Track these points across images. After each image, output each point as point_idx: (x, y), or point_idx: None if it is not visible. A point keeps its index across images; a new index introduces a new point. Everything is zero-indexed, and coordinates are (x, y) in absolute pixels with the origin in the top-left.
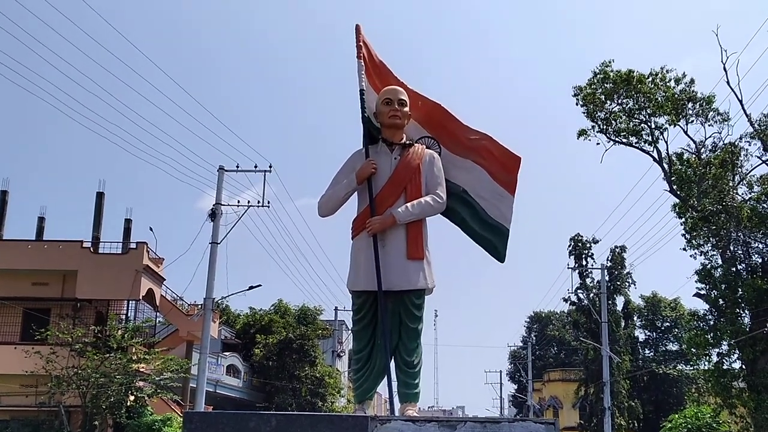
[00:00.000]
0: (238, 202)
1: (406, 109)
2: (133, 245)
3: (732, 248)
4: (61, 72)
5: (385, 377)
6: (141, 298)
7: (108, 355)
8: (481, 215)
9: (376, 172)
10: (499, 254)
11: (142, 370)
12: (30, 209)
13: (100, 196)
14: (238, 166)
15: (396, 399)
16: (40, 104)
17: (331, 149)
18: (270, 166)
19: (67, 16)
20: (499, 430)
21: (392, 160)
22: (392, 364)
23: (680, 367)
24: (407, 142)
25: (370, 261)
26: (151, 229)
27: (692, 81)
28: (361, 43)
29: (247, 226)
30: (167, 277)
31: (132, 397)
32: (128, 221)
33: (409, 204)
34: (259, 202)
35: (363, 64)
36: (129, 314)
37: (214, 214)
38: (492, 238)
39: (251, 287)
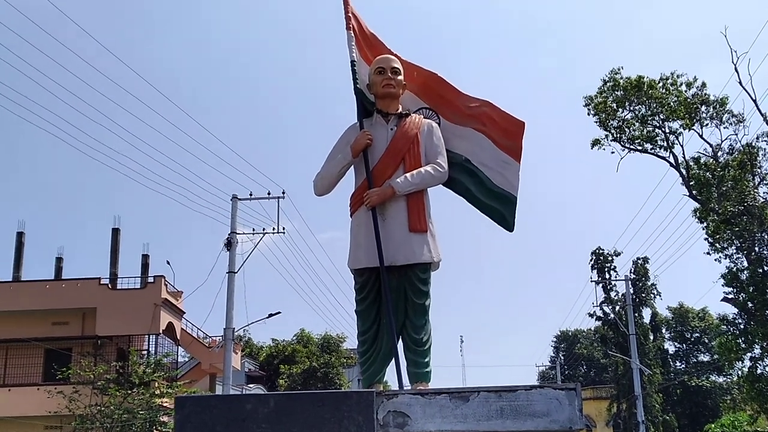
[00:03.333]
0: (253, 230)
1: (401, 77)
2: (150, 279)
3: (757, 249)
4: (72, 108)
5: (393, 358)
6: (161, 332)
7: (131, 391)
8: (486, 184)
9: (372, 144)
10: (508, 223)
11: (165, 404)
12: (48, 250)
13: (115, 232)
14: (251, 194)
15: (406, 380)
16: (52, 141)
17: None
18: (283, 192)
19: (76, 52)
20: (516, 399)
21: (388, 131)
22: (400, 343)
23: (713, 378)
24: (404, 112)
25: (371, 236)
26: (168, 263)
27: (704, 84)
28: (350, 14)
29: (266, 257)
30: (187, 310)
31: None
32: (145, 257)
33: (408, 174)
34: (274, 228)
35: (353, 35)
36: (150, 349)
37: (230, 244)
38: (499, 207)
39: (271, 315)
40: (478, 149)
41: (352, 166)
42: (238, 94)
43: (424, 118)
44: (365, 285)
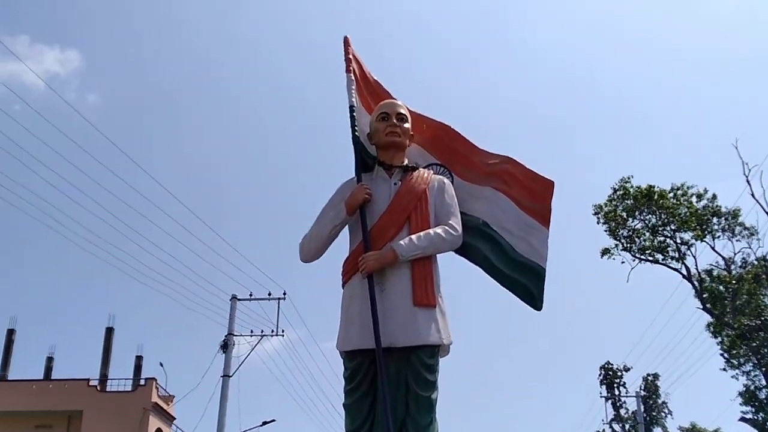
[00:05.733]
0: (251, 331)
1: (407, 125)
2: (142, 382)
3: None
4: (69, 198)
5: None
6: None
7: None
8: (509, 252)
9: (371, 200)
10: (535, 300)
11: None
12: (39, 348)
13: (109, 331)
14: (251, 295)
15: None
16: (46, 233)
17: None
18: (284, 294)
19: (74, 139)
20: None
21: (391, 186)
22: None
23: None
24: (410, 165)
25: (366, 310)
26: (161, 365)
27: (714, 196)
28: (351, 56)
29: (264, 362)
30: (178, 416)
31: None
32: (139, 358)
33: (414, 236)
34: (273, 331)
35: (353, 78)
36: None
37: (226, 346)
38: (524, 280)
39: (265, 422)
40: (498, 211)
41: (347, 227)
42: (242, 189)
43: (434, 174)
44: (357, 372)
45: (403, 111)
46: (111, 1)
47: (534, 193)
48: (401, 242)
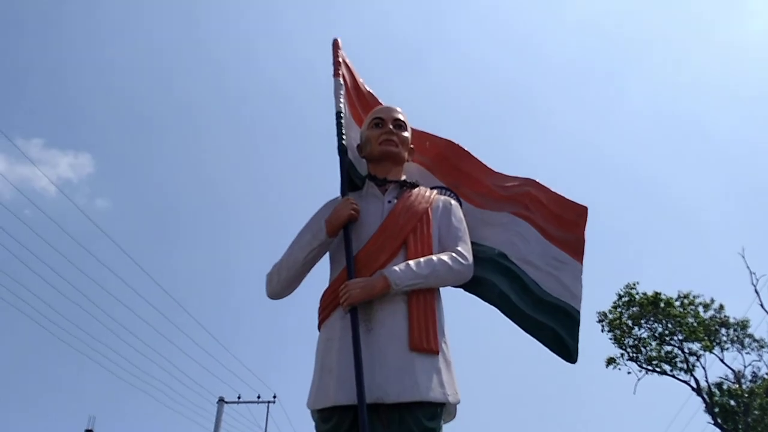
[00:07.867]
0: None
1: (406, 134)
2: None
3: None
4: (48, 284)
5: None
6: None
7: None
8: (533, 290)
9: (357, 217)
10: (568, 350)
11: None
12: None
13: None
14: (239, 397)
15: None
16: (21, 325)
17: None
18: (274, 397)
19: (81, 243)
20: None
21: (384, 204)
22: None
23: None
24: (409, 181)
25: (347, 356)
26: None
27: (722, 307)
28: (340, 60)
29: None
30: None
31: None
32: None
33: (412, 261)
34: None
35: (342, 83)
36: None
37: None
38: (553, 324)
39: None
40: (518, 241)
41: (327, 254)
42: (235, 290)
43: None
44: None
45: (401, 117)
46: (126, 107)
47: (563, 222)
48: (395, 268)
